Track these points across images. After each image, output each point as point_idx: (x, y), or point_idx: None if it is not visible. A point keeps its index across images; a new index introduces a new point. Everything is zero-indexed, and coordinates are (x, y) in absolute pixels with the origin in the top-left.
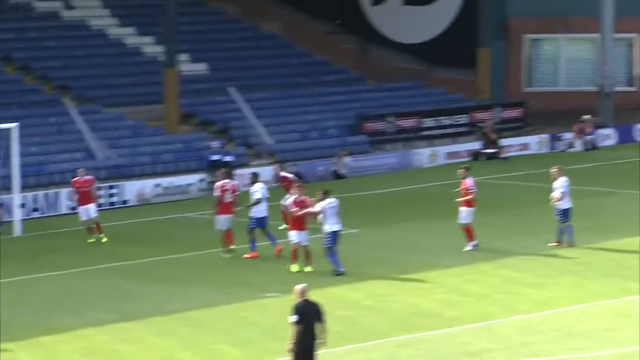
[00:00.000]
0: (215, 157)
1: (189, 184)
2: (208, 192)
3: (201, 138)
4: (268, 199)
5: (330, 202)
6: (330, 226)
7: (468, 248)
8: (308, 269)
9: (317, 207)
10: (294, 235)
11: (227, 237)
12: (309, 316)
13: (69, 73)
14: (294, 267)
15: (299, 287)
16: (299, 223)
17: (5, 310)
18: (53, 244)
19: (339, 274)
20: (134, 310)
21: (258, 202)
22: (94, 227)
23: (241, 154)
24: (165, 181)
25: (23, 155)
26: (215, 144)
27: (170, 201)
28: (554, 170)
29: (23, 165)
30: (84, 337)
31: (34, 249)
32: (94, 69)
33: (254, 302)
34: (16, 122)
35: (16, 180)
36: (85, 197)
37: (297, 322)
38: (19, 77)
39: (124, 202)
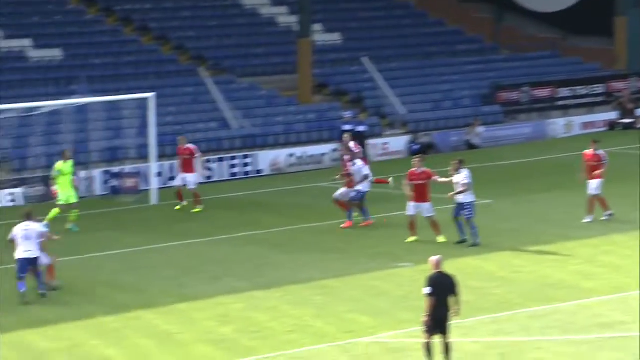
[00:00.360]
0: (347, 127)
1: (322, 154)
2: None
3: (334, 108)
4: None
5: (465, 174)
6: (463, 197)
7: (603, 218)
8: (441, 239)
9: (456, 178)
10: (412, 208)
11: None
12: (442, 288)
13: (205, 43)
14: (411, 239)
15: (433, 258)
16: (421, 194)
17: (143, 277)
18: (189, 213)
19: (462, 241)
20: (268, 278)
21: (366, 177)
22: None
23: (374, 124)
24: (299, 151)
25: (160, 124)
26: (347, 113)
27: (303, 171)
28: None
29: (160, 135)
30: (219, 305)
31: (170, 217)
32: (229, 39)
33: (386, 271)
34: (153, 92)
35: (153, 150)
36: (184, 166)
37: (429, 294)
38: (156, 47)
39: (258, 171)
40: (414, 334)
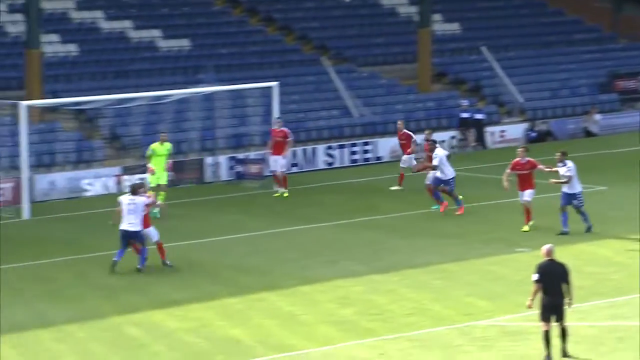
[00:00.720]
0: (465, 115)
1: (441, 141)
2: (459, 150)
3: (453, 96)
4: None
5: (568, 167)
6: (568, 187)
7: None
8: (525, 228)
9: (561, 170)
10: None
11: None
12: (551, 276)
13: (327, 33)
14: (525, 227)
15: (545, 247)
16: (525, 184)
17: (267, 260)
18: (311, 198)
19: (564, 233)
20: (386, 262)
21: (435, 168)
22: (280, 180)
23: (492, 112)
24: (418, 138)
25: (283, 112)
26: (464, 102)
27: (421, 157)
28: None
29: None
30: (340, 287)
31: (293, 203)
32: (351, 29)
33: (502, 256)
34: (277, 80)
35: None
36: (276, 148)
37: (536, 281)
38: (280, 37)
39: (378, 158)
40: (531, 317)
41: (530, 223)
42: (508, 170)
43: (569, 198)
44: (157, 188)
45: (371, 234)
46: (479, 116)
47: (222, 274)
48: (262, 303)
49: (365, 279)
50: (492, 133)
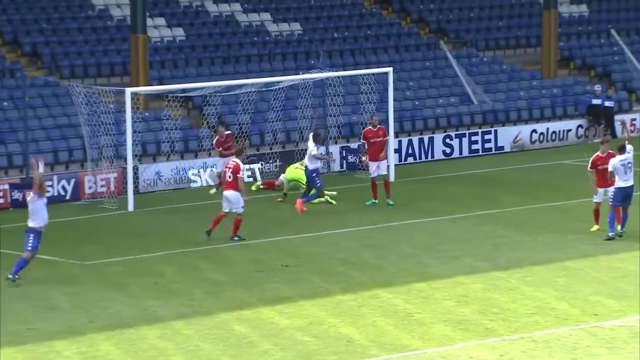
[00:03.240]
0: (596, 102)
1: (567, 130)
2: (586, 138)
3: (580, 82)
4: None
5: (622, 158)
6: (617, 183)
7: None
8: (594, 228)
9: (609, 164)
10: (600, 194)
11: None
12: None
13: (446, 16)
14: (594, 228)
15: None
16: (605, 179)
17: (381, 255)
18: (428, 190)
19: (608, 239)
20: (507, 258)
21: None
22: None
23: (622, 99)
24: (542, 127)
25: (398, 99)
26: (597, 87)
27: (546, 148)
28: None
29: (398, 110)
30: (459, 285)
31: (408, 194)
32: (471, 11)
33: (632, 253)
34: (392, 66)
35: (391, 125)
36: (375, 152)
37: None
38: (396, 20)
39: (499, 148)
40: None
41: (596, 228)
42: (589, 169)
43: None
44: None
45: (491, 228)
46: (608, 104)
47: (334, 269)
48: (375, 300)
49: (485, 276)
50: (624, 121)
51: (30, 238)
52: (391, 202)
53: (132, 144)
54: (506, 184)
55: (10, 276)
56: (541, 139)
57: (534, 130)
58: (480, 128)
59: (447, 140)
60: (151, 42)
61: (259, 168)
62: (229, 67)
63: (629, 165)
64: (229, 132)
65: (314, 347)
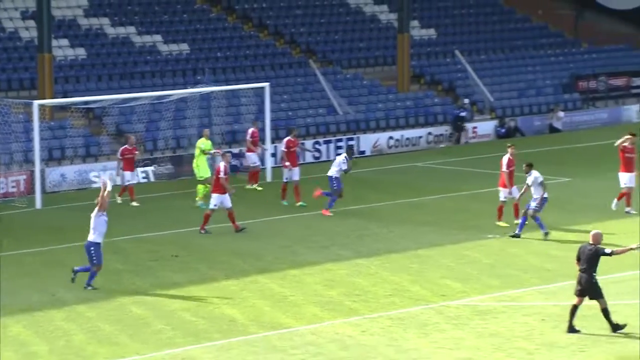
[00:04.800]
0: (458, 112)
1: (419, 137)
2: (436, 144)
3: (429, 96)
4: None
5: (536, 177)
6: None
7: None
8: (502, 223)
9: (528, 181)
10: (504, 193)
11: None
12: (581, 255)
13: (314, 38)
14: (502, 224)
15: (591, 232)
16: (510, 180)
17: (261, 246)
18: (301, 189)
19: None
20: (369, 248)
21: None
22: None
23: (468, 111)
24: (397, 134)
25: (274, 110)
26: (466, 101)
27: (401, 152)
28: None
29: (274, 120)
30: (326, 270)
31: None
32: (336, 34)
33: (476, 242)
34: (268, 82)
35: (268, 133)
36: (294, 159)
37: (576, 260)
38: (272, 42)
39: (361, 152)
40: (501, 297)
41: (502, 224)
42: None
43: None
44: (205, 181)
45: (356, 222)
46: (463, 114)
47: (220, 258)
48: (255, 285)
49: (349, 263)
50: (466, 129)
51: (93, 251)
52: (304, 204)
53: (40, 150)
54: (368, 183)
55: (87, 286)
56: (397, 144)
57: (391, 137)
58: (344, 135)
59: (317, 146)
60: (56, 61)
61: (152, 170)
62: (125, 82)
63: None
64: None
65: (202, 326)
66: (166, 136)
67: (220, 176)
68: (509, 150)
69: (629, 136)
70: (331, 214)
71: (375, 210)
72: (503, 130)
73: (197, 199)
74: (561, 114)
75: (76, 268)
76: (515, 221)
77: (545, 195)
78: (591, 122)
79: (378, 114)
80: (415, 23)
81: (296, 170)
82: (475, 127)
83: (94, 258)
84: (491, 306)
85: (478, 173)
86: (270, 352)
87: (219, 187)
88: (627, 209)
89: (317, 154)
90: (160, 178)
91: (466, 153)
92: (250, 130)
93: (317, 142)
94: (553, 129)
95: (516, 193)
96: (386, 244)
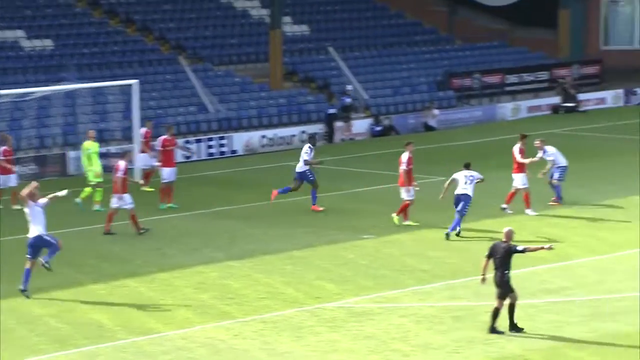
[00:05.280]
0: (348, 100)
1: (292, 135)
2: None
3: (302, 94)
4: None
5: (467, 174)
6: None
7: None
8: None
9: (548, 156)
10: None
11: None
12: (495, 253)
13: (184, 34)
14: (409, 222)
15: (504, 229)
16: (408, 179)
17: (129, 249)
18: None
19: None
20: (242, 249)
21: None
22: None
23: (339, 108)
24: (270, 133)
25: (143, 108)
26: (349, 87)
27: (274, 151)
28: (538, 143)
29: (143, 118)
30: (198, 273)
31: (155, 194)
32: (206, 30)
33: (351, 243)
34: (137, 79)
35: (136, 132)
36: (169, 159)
37: (486, 256)
38: (140, 37)
39: (233, 151)
40: (376, 299)
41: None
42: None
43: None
44: (97, 185)
45: (228, 223)
46: (332, 111)
47: (87, 262)
48: (123, 289)
49: (221, 265)
50: (340, 127)
51: (46, 237)
52: (174, 205)
53: None
54: (241, 184)
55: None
56: (270, 143)
57: (264, 136)
58: (216, 134)
59: (188, 145)
60: None
61: (16, 170)
62: None
63: (472, 179)
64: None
65: (68, 332)
66: (29, 135)
67: (118, 175)
68: (408, 148)
69: (521, 138)
70: (322, 209)
71: (248, 211)
72: (378, 129)
73: (94, 202)
74: (436, 111)
75: (43, 260)
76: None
77: (565, 163)
78: (466, 120)
79: (250, 112)
80: (287, 19)
81: (172, 170)
82: (349, 126)
83: (51, 240)
84: (367, 308)
85: (353, 172)
86: (140, 357)
87: (119, 186)
88: (528, 210)
89: (188, 154)
90: (23, 179)
91: (341, 152)
92: (143, 131)
93: (187, 141)
94: (428, 127)
95: (412, 194)
96: (259, 245)
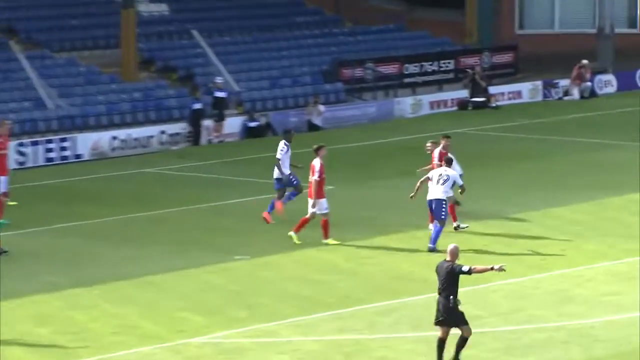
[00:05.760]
0: (219, 94)
1: (150, 137)
2: (171, 145)
3: (162, 86)
4: None
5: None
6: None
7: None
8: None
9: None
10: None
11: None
12: (437, 275)
13: (15, 14)
14: (329, 241)
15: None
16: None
17: None
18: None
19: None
20: (90, 274)
21: None
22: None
23: (206, 104)
24: (123, 133)
25: None
26: (219, 79)
27: (128, 155)
28: (429, 145)
29: None
30: (36, 303)
31: None
32: (42, 9)
33: (220, 265)
34: None
35: None
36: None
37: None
38: None
39: (77, 156)
40: (250, 333)
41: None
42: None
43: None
44: None
45: (73, 242)
46: (197, 106)
47: None
48: None
49: (64, 294)
50: (207, 127)
51: None
52: (5, 221)
53: None
54: (87, 195)
55: None
56: (122, 146)
57: (115, 137)
58: (56, 135)
59: (21, 149)
60: None
61: None
62: None
63: (446, 179)
64: None
65: None
66: None
67: None
68: (319, 153)
69: (443, 140)
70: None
71: (98, 227)
72: (252, 125)
73: None
74: (322, 108)
75: None
76: (455, 224)
77: (460, 172)
78: (358, 118)
79: (99, 109)
80: None
81: (4, 179)
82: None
83: None
84: (239, 343)
85: (223, 180)
86: None
87: None
88: (455, 223)
89: (21, 159)
90: None
91: (208, 156)
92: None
93: (21, 144)
94: (312, 126)
95: (323, 206)
96: (111, 269)
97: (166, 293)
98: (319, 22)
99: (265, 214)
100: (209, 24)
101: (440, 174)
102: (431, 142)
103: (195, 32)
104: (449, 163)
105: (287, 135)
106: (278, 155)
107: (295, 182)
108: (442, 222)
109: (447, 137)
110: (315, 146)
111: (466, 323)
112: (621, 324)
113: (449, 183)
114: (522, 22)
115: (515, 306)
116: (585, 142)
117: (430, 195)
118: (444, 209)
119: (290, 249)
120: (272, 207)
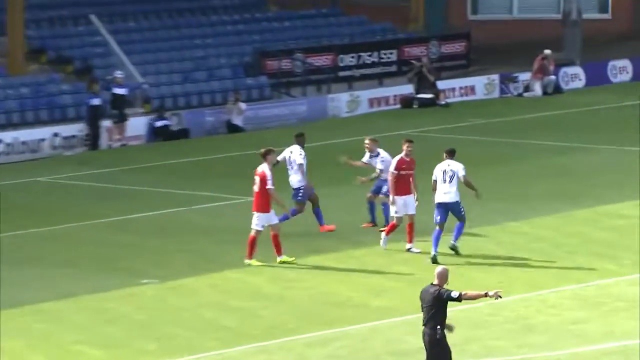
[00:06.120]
0: (119, 91)
1: (41, 140)
2: (65, 150)
3: (55, 80)
4: None
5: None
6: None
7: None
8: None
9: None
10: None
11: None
12: (422, 301)
13: None
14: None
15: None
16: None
17: None
18: None
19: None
20: None
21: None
22: None
23: (106, 101)
24: (9, 136)
25: None
26: (119, 74)
27: (15, 162)
28: (367, 142)
29: None
30: None
31: None
32: None
33: (124, 290)
34: None
35: None
36: None
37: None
38: None
39: None
40: None
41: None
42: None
43: None
44: None
45: None
46: (95, 102)
47: None
48: None
49: None
50: (109, 128)
51: None
52: None
53: None
54: None
55: None
56: (8, 150)
57: None
58: None
59: None
60: None
61: None
62: None
63: (452, 175)
64: None
65: None
66: None
67: None
68: (268, 159)
69: (405, 145)
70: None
71: None
72: (159, 124)
73: None
74: (243, 105)
75: None
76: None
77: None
78: (285, 117)
79: None
80: None
81: None
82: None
83: None
84: None
85: (125, 191)
86: None
87: None
88: (409, 245)
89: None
90: None
91: (108, 162)
92: None
93: None
94: (232, 127)
95: (271, 220)
96: None
97: (60, 323)
98: (239, 6)
99: (322, 228)
100: (109, 7)
101: (445, 170)
102: (370, 139)
103: (93, 17)
104: (451, 155)
105: (300, 138)
106: (300, 161)
107: (300, 198)
108: (463, 218)
109: (409, 141)
110: (262, 150)
111: (449, 355)
112: (588, 356)
113: (457, 179)
114: (476, 6)
115: (470, 336)
116: (550, 145)
117: (442, 198)
118: (462, 208)
119: (206, 271)
120: (320, 216)
